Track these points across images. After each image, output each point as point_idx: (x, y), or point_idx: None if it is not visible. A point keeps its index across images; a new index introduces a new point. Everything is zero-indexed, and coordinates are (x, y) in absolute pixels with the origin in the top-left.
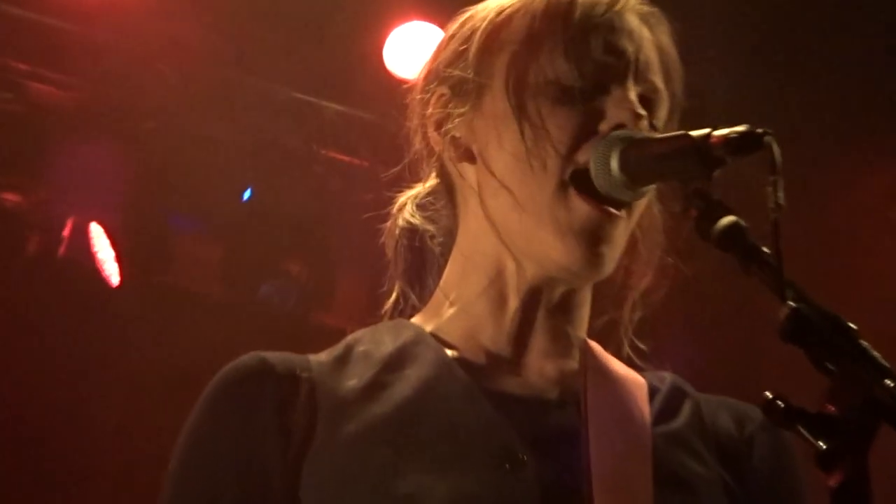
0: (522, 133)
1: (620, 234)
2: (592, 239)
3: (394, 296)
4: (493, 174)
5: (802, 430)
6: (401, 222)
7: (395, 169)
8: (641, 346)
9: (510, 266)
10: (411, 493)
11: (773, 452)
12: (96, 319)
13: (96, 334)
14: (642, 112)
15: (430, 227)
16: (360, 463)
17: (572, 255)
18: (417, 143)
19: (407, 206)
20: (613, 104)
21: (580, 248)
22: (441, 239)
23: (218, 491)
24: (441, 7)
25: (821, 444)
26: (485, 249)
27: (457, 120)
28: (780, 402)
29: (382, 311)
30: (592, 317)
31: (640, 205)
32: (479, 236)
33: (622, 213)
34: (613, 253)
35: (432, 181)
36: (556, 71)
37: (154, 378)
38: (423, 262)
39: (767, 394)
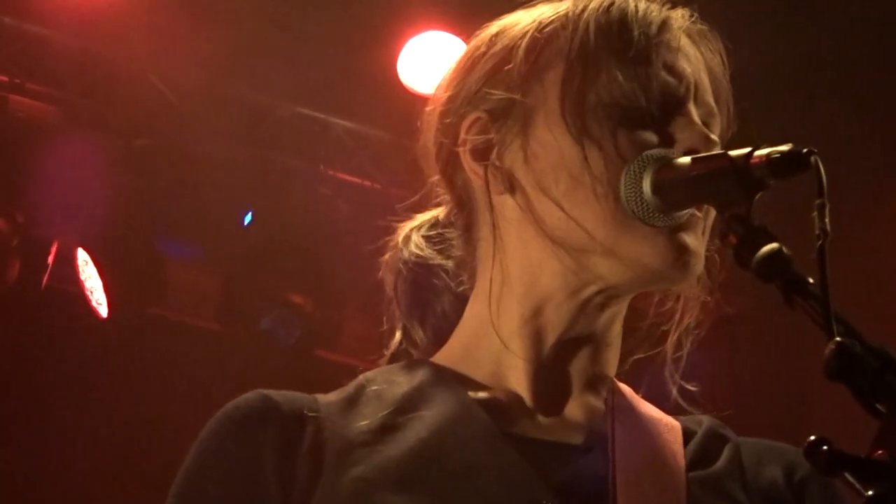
0: (587, 158)
1: (701, 233)
2: (677, 232)
3: (398, 336)
4: (543, 205)
5: (849, 476)
6: (406, 255)
7: (414, 198)
8: (691, 387)
9: (555, 299)
10: None
11: (824, 502)
12: (83, 354)
13: (83, 370)
14: (714, 137)
15: (443, 261)
16: None
17: (664, 253)
18: (437, 170)
19: (413, 236)
20: (683, 128)
21: (670, 244)
22: (455, 273)
23: None
24: (460, 16)
25: (870, 492)
26: (526, 281)
27: (498, 148)
28: (824, 446)
29: (387, 353)
30: (623, 357)
31: (709, 219)
32: (520, 271)
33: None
34: (701, 248)
35: (442, 210)
36: (621, 91)
37: (146, 418)
38: (432, 296)
39: (811, 438)
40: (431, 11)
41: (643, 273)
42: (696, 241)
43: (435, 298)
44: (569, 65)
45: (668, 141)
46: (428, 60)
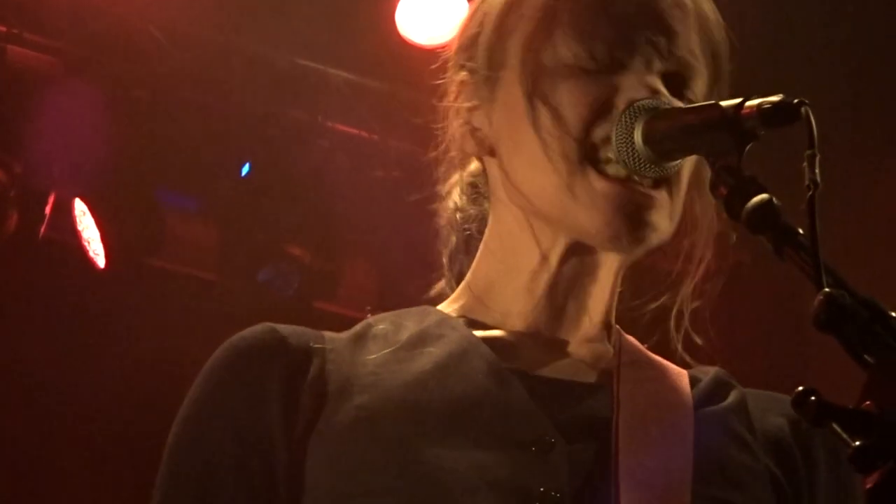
0: (535, 121)
1: (662, 203)
2: (629, 209)
3: (442, 281)
4: (512, 166)
5: (836, 427)
6: (450, 203)
7: (432, 153)
8: (698, 339)
9: (540, 252)
10: (427, 471)
11: (831, 459)
12: (81, 305)
13: (81, 321)
14: (659, 88)
15: (472, 210)
16: (370, 436)
17: (611, 222)
18: (448, 131)
19: (456, 186)
20: (629, 80)
21: (619, 222)
22: (481, 224)
23: (217, 461)
24: None
25: (857, 443)
26: (511, 241)
27: (475, 111)
28: (811, 397)
29: (432, 294)
30: (641, 306)
31: (683, 180)
32: (505, 229)
33: (655, 189)
34: (659, 220)
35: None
36: (571, 51)
37: (144, 369)
38: (464, 247)
39: (799, 388)
40: None
41: (592, 241)
42: (653, 214)
43: (465, 249)
44: (529, 26)
45: (613, 91)
46: (426, 12)
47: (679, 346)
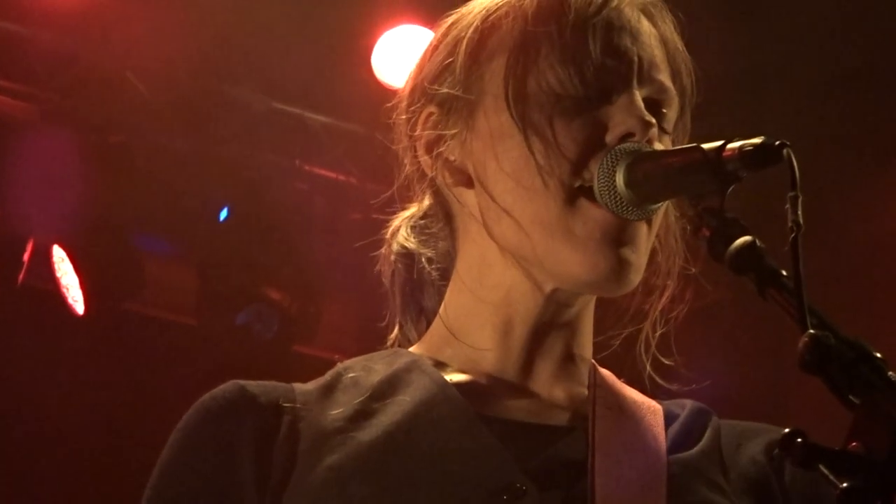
0: (530, 146)
1: (643, 240)
2: (616, 244)
3: (396, 329)
4: (493, 197)
5: (823, 468)
6: (395, 247)
7: (387, 194)
8: (667, 361)
9: (521, 291)
10: None
11: (805, 481)
12: (60, 351)
13: (60, 367)
14: (651, 119)
15: (427, 252)
16: (341, 497)
17: (597, 266)
18: (408, 165)
19: (401, 229)
20: (619, 112)
21: (604, 256)
22: (439, 264)
23: None
24: (435, 9)
25: (844, 484)
26: (490, 277)
27: (449, 142)
28: (798, 439)
29: (389, 344)
30: (609, 338)
31: (659, 214)
32: (483, 263)
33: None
34: (640, 259)
35: (427, 202)
36: (557, 78)
37: (123, 413)
38: (420, 289)
39: (786, 430)
40: (405, 5)
41: (575, 283)
42: (633, 252)
43: (421, 291)
44: (509, 54)
45: (602, 126)
46: (402, 54)
47: (647, 373)
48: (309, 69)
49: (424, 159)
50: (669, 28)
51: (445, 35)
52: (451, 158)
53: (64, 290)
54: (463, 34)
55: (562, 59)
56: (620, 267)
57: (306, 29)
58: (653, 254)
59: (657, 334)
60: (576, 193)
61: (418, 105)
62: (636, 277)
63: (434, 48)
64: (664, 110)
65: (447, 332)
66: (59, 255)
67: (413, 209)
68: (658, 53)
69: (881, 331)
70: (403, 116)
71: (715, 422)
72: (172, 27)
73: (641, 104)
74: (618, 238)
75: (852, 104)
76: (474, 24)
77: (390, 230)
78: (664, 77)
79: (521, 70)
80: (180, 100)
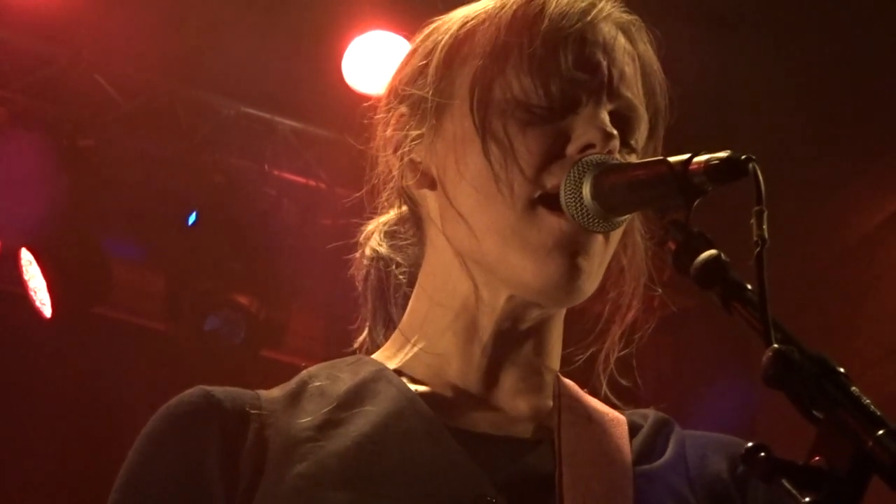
0: (487, 153)
1: (598, 250)
2: (568, 252)
3: (364, 334)
4: (451, 201)
5: (786, 483)
6: (368, 252)
7: (357, 195)
8: (624, 382)
9: (479, 298)
10: None
11: (767, 493)
12: (27, 355)
13: (27, 371)
14: (612, 131)
15: (398, 257)
16: (313, 503)
17: (548, 273)
18: (380, 166)
19: (374, 234)
20: (582, 123)
21: (555, 264)
22: (408, 270)
23: None
24: (405, 15)
25: (807, 499)
26: (449, 282)
27: (414, 142)
28: (761, 453)
29: (356, 347)
30: (575, 353)
31: (619, 229)
32: (442, 269)
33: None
34: (592, 267)
35: (403, 208)
36: (523, 88)
37: (90, 418)
38: (391, 295)
39: (749, 444)
40: (376, 11)
41: (526, 290)
42: (585, 261)
43: (391, 296)
44: (480, 61)
45: (565, 137)
46: (372, 60)
47: (604, 391)
48: (279, 74)
49: (391, 159)
50: (647, 48)
51: (424, 40)
52: (417, 160)
53: (32, 294)
54: (440, 39)
55: (529, 70)
56: (570, 275)
57: (276, 34)
58: (620, 273)
59: (616, 355)
60: (535, 202)
61: (392, 106)
62: (588, 286)
63: (413, 52)
64: (633, 127)
65: (409, 337)
66: (27, 258)
67: (390, 214)
68: (630, 70)
69: (847, 338)
70: (379, 116)
71: (678, 432)
72: (143, 31)
73: (605, 117)
74: (570, 246)
75: (821, 115)
76: (451, 31)
77: (363, 235)
78: (634, 94)
79: (488, 77)
80: (150, 104)
